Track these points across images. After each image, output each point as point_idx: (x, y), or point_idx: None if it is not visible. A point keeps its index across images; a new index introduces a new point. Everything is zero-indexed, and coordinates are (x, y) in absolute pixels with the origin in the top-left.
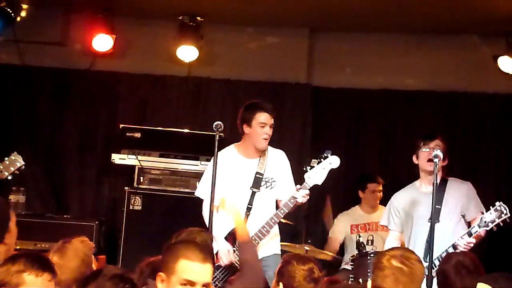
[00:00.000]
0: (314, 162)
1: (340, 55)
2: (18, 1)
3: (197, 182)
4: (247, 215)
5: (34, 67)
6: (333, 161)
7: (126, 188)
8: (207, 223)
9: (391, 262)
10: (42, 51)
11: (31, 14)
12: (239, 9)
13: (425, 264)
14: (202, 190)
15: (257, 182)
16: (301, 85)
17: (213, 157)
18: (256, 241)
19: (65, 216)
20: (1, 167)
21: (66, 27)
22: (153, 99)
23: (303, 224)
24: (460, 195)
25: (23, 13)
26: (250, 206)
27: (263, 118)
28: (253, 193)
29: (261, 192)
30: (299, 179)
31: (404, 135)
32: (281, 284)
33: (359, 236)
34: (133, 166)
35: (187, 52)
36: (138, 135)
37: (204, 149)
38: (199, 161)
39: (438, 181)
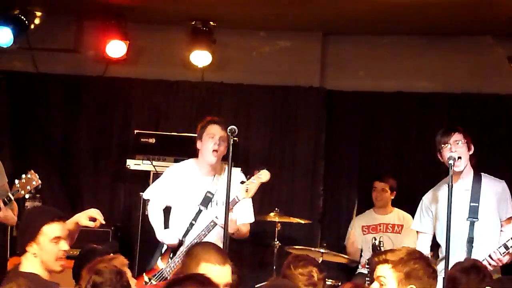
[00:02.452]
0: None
1: (353, 58)
2: (32, 9)
3: None
4: (187, 230)
5: (48, 74)
6: (262, 175)
7: (141, 193)
8: (153, 223)
9: None
10: (56, 58)
11: (45, 21)
12: (252, 14)
13: None
14: (150, 192)
15: (206, 200)
16: (314, 89)
17: (174, 164)
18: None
19: None
20: (18, 185)
21: (79, 34)
22: (166, 104)
23: (318, 227)
24: (495, 193)
25: (36, 21)
26: (194, 223)
27: (212, 129)
28: (200, 211)
29: (208, 211)
30: (312, 183)
31: (418, 137)
32: None
33: (375, 239)
34: (148, 172)
35: (200, 57)
36: (152, 140)
37: None
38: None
39: (472, 177)
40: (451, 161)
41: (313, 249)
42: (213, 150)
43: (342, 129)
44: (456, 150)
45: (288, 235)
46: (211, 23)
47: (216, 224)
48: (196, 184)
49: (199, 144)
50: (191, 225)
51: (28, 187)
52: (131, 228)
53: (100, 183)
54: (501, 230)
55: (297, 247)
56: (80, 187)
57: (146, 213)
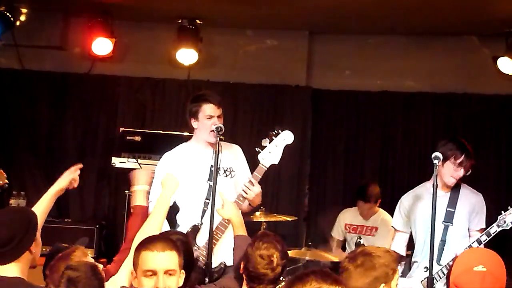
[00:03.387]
0: (265, 141)
1: (340, 57)
2: (17, 5)
3: None
4: (204, 211)
5: (34, 71)
6: (286, 137)
7: (126, 191)
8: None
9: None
10: (42, 55)
11: (31, 18)
12: (238, 12)
13: (438, 267)
14: (154, 194)
15: (212, 174)
16: (301, 87)
17: (165, 154)
18: (219, 235)
19: (65, 220)
20: None
21: (66, 31)
22: (152, 102)
23: (304, 227)
24: (469, 204)
25: (22, 17)
26: (208, 201)
27: (209, 110)
28: (210, 187)
29: (219, 183)
30: (298, 181)
31: (404, 136)
32: (242, 264)
33: (360, 238)
34: (133, 170)
35: (187, 55)
36: (138, 138)
37: None
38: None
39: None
40: (436, 161)
41: (298, 250)
42: (211, 131)
43: (328, 127)
44: (459, 172)
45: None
46: (198, 21)
47: (247, 195)
48: (197, 162)
49: (194, 123)
50: (206, 204)
51: None
52: (116, 226)
53: (85, 181)
54: (469, 236)
55: None
56: None
57: (131, 211)
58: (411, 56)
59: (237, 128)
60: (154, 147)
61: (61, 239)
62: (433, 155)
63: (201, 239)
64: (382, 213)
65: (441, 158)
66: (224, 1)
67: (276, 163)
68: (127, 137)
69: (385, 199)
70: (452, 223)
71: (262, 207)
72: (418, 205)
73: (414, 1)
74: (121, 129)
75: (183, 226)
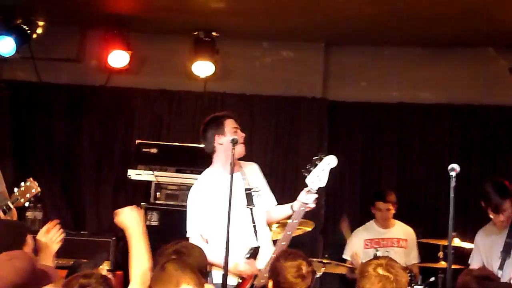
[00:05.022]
0: (310, 166)
1: (356, 69)
2: (34, 19)
3: None
4: (255, 234)
5: (50, 84)
6: (330, 161)
7: (142, 203)
8: (214, 260)
9: (377, 271)
10: (58, 67)
11: (47, 31)
12: (254, 24)
13: None
14: (193, 228)
15: (249, 198)
16: (317, 99)
17: (195, 184)
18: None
19: (82, 232)
20: (17, 193)
21: (82, 44)
22: (169, 114)
23: (321, 237)
24: None
25: (39, 30)
26: (255, 224)
27: (233, 123)
28: (251, 210)
29: (257, 207)
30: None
31: (420, 148)
32: (270, 282)
33: (377, 250)
34: (150, 182)
35: (203, 67)
36: (154, 150)
37: None
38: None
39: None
40: (452, 173)
41: (315, 259)
42: (242, 143)
43: (344, 139)
44: (502, 217)
45: (290, 246)
46: (214, 33)
47: (307, 204)
48: (228, 187)
49: (221, 139)
50: (254, 227)
51: (28, 195)
52: None
53: (101, 193)
54: None
55: None
56: (82, 197)
57: (147, 223)
58: (427, 68)
59: (253, 140)
60: (170, 160)
61: (77, 252)
62: (449, 167)
63: (261, 259)
64: (402, 224)
65: (458, 170)
66: (240, 13)
67: (323, 186)
68: (143, 150)
69: (402, 211)
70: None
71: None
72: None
73: (430, 12)
74: (137, 141)
75: (237, 252)
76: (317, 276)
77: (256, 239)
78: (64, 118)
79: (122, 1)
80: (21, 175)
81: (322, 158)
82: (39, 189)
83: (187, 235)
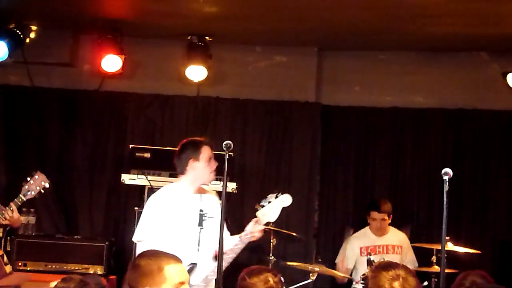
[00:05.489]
0: (265, 201)
1: (349, 73)
2: (27, 23)
3: None
4: (198, 250)
5: (43, 88)
6: (285, 199)
7: (136, 208)
8: None
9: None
10: (51, 72)
11: (40, 35)
12: (247, 29)
13: None
14: (142, 233)
15: (201, 219)
16: (310, 103)
17: (155, 195)
18: (210, 278)
19: (75, 237)
20: (27, 187)
21: (75, 48)
22: (162, 119)
23: (313, 243)
24: None
25: (32, 35)
26: (199, 246)
27: (209, 151)
28: (200, 231)
29: (205, 229)
30: (308, 198)
31: (414, 153)
32: None
33: (370, 255)
34: (143, 186)
35: (196, 72)
36: (147, 155)
37: None
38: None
39: None
40: (446, 177)
41: (308, 265)
42: (213, 171)
43: (337, 144)
44: None
45: (283, 251)
46: (207, 38)
47: (254, 233)
48: (188, 205)
49: (194, 164)
50: (198, 245)
51: (38, 187)
52: (125, 242)
53: (95, 197)
54: None
55: (292, 263)
56: (75, 202)
57: None
58: (420, 72)
59: (246, 144)
60: (163, 164)
61: (71, 256)
62: (443, 171)
63: (196, 278)
64: (396, 230)
65: (452, 174)
66: (233, 18)
67: (272, 221)
68: (137, 154)
69: (395, 215)
70: None
71: (272, 223)
72: None
73: (423, 17)
74: (130, 145)
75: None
76: (312, 280)
77: (196, 258)
78: (57, 122)
79: (115, 5)
80: (13, 180)
81: (278, 196)
82: (48, 180)
83: (137, 239)
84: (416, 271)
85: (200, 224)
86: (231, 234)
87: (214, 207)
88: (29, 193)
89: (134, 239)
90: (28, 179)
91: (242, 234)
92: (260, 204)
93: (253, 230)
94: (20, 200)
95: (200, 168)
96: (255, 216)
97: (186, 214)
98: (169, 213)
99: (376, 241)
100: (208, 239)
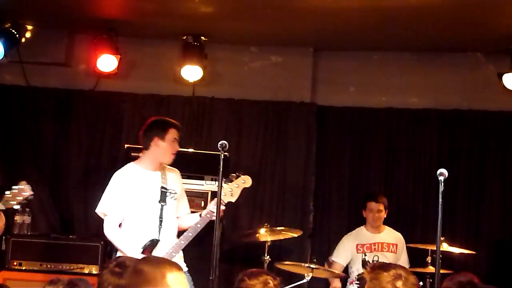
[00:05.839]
0: (226, 180)
1: (344, 74)
2: (23, 22)
3: (203, 202)
4: (159, 228)
5: (39, 88)
6: (246, 180)
7: None
8: (114, 241)
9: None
10: (47, 71)
11: (36, 35)
12: (243, 29)
13: None
14: (105, 205)
15: (163, 195)
16: (305, 104)
17: (118, 171)
18: (173, 255)
19: (70, 236)
20: (10, 196)
21: (71, 48)
22: None
23: (309, 242)
24: None
25: (27, 34)
26: (162, 219)
27: (175, 134)
28: (162, 207)
29: (168, 206)
30: (303, 198)
31: (409, 153)
32: None
33: (365, 255)
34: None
35: (191, 72)
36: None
37: (209, 168)
38: (204, 181)
39: None
40: (441, 177)
41: (303, 264)
42: (173, 153)
43: (332, 144)
44: None
45: (278, 250)
46: (203, 38)
47: (213, 213)
48: (149, 182)
49: (158, 143)
50: (161, 221)
51: (20, 198)
52: None
53: (90, 197)
54: None
55: (287, 262)
56: (70, 201)
57: None
58: (416, 73)
59: (241, 144)
60: None
61: (66, 256)
62: (438, 172)
63: (158, 253)
64: (391, 229)
65: (447, 175)
66: (229, 18)
67: (233, 201)
68: (132, 154)
69: (390, 216)
70: None
71: (266, 223)
72: None
73: (419, 18)
74: (126, 145)
75: (140, 242)
76: (306, 280)
77: (159, 234)
78: (52, 122)
79: (111, 5)
80: (9, 179)
81: (239, 176)
82: (31, 192)
83: (100, 211)
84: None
85: (163, 200)
86: (224, 235)
87: (177, 183)
88: (8, 202)
89: (97, 210)
90: (12, 188)
91: (203, 212)
92: (224, 181)
93: (212, 209)
94: None
95: (163, 147)
96: (250, 215)
97: (147, 190)
98: (131, 189)
99: (372, 238)
100: (171, 215)
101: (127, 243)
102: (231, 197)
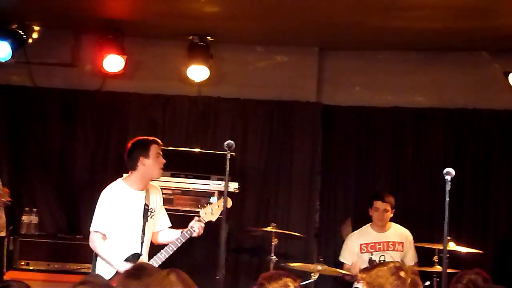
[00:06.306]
0: (208, 202)
1: (350, 73)
2: (30, 23)
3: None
4: (141, 243)
5: (45, 88)
6: (228, 203)
7: None
8: (104, 256)
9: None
10: (53, 72)
11: (42, 36)
12: (248, 29)
13: None
14: (99, 224)
15: (145, 213)
16: (311, 103)
17: (107, 188)
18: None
19: (77, 236)
20: None
21: (77, 48)
22: (163, 119)
23: (315, 242)
24: None
25: (34, 35)
26: (143, 236)
27: (158, 149)
28: (144, 224)
29: (149, 223)
30: (309, 197)
31: (415, 152)
32: None
33: (372, 254)
34: None
35: (197, 72)
36: None
37: (215, 168)
38: (210, 181)
39: None
40: (447, 176)
41: (311, 265)
42: (161, 168)
43: (338, 144)
44: None
45: (284, 250)
46: (208, 38)
47: (194, 230)
48: (135, 200)
49: (144, 161)
50: (142, 237)
51: None
52: None
53: (96, 197)
54: None
55: (294, 264)
56: (76, 201)
57: None
58: (421, 72)
59: (247, 144)
60: (165, 164)
61: (73, 255)
62: (444, 171)
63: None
64: (398, 226)
65: (453, 174)
66: (234, 18)
67: (214, 220)
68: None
69: (397, 215)
70: None
71: (273, 223)
72: None
73: (423, 17)
74: None
75: (123, 255)
76: (313, 279)
77: (141, 249)
78: (58, 122)
79: (117, 6)
80: (16, 179)
81: (219, 198)
82: (9, 199)
83: (94, 229)
84: (418, 271)
85: (145, 218)
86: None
87: (157, 201)
88: None
89: (91, 229)
90: None
91: (185, 230)
92: (203, 204)
93: (193, 226)
94: None
95: (149, 165)
96: (256, 214)
97: (133, 208)
98: (118, 207)
99: (377, 237)
100: (150, 232)
101: (113, 254)
102: (211, 216)
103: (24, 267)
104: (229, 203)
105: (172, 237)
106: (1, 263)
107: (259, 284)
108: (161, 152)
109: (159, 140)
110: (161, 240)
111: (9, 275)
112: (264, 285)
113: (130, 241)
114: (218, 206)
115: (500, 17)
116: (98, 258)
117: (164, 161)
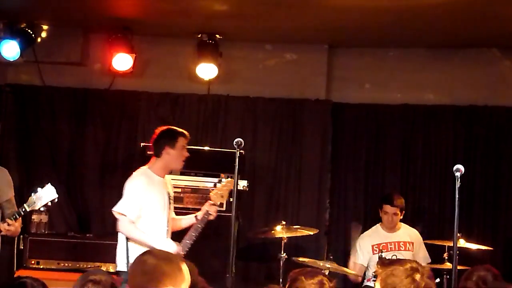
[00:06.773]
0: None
1: (359, 70)
2: (38, 22)
3: None
4: (167, 230)
5: (54, 87)
6: (231, 182)
7: None
8: (141, 238)
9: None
10: (62, 71)
11: (51, 34)
12: (257, 27)
13: None
14: (127, 207)
15: (168, 200)
16: (321, 101)
17: (137, 175)
18: (181, 253)
19: (87, 235)
20: (34, 198)
21: (86, 47)
22: (173, 117)
23: (325, 239)
24: None
25: (43, 34)
26: (168, 222)
27: (184, 142)
28: (168, 211)
29: (171, 209)
30: (319, 195)
31: (424, 149)
32: None
33: (382, 252)
34: None
35: (207, 70)
36: None
37: (225, 166)
38: (220, 178)
39: None
40: (457, 173)
41: (320, 262)
42: (183, 160)
43: (348, 141)
44: None
45: (294, 248)
46: (217, 36)
47: (210, 214)
48: (160, 187)
49: (169, 151)
50: (167, 225)
51: (45, 200)
52: None
53: (106, 196)
54: None
55: (303, 259)
56: (86, 200)
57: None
58: (431, 69)
59: (257, 142)
60: None
61: (83, 254)
62: (454, 168)
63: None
64: (407, 227)
65: (463, 170)
66: (243, 16)
67: (224, 202)
68: (148, 152)
69: (407, 212)
70: None
71: (283, 221)
72: None
73: (434, 14)
74: (141, 144)
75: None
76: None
77: (166, 236)
78: (68, 121)
79: (125, 4)
80: (25, 179)
81: (228, 178)
82: (56, 195)
83: (119, 211)
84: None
85: (168, 205)
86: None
87: (171, 188)
88: (34, 204)
89: (116, 209)
90: (38, 190)
91: (198, 214)
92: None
93: (209, 209)
94: (23, 210)
95: (173, 155)
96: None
97: (159, 196)
98: (148, 194)
99: (388, 238)
100: (171, 219)
101: (152, 235)
102: (221, 198)
103: (35, 266)
104: (231, 184)
105: (188, 222)
106: (12, 262)
107: (293, 279)
108: (186, 146)
109: (187, 134)
110: (177, 226)
111: (19, 274)
112: (300, 279)
113: (157, 228)
114: (226, 187)
115: (510, 13)
116: (129, 242)
117: (188, 154)
